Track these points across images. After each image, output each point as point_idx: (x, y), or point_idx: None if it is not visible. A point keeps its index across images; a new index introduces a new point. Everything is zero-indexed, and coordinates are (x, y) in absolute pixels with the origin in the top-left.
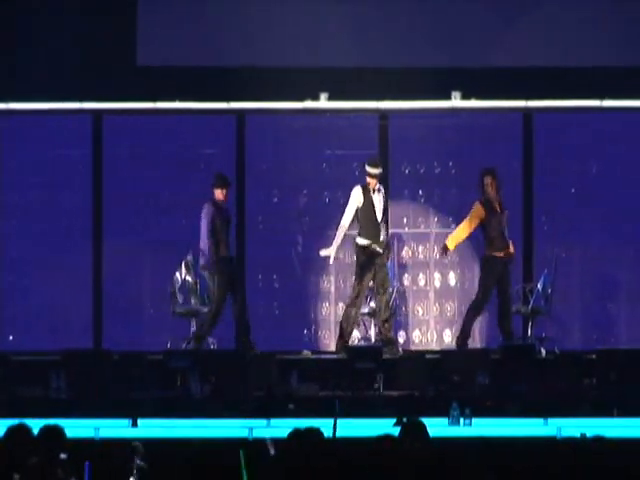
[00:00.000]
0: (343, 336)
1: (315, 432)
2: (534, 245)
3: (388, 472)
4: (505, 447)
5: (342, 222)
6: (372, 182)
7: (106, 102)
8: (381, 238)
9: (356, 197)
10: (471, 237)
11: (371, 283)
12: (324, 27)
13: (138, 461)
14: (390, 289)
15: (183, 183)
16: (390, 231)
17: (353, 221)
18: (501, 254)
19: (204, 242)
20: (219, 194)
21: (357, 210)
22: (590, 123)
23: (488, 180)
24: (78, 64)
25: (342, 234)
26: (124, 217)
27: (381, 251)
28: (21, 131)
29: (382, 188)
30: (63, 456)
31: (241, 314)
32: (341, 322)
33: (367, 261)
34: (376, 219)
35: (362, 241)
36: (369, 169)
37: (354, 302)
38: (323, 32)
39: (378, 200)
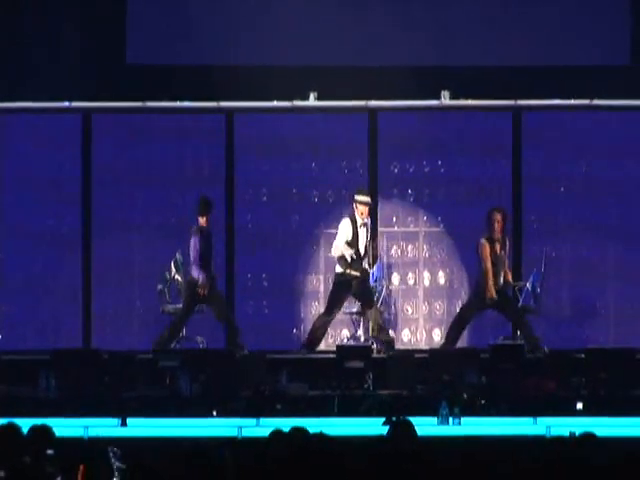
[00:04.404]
0: (312, 338)
1: (300, 431)
2: (523, 244)
3: (377, 471)
4: (494, 446)
5: (333, 254)
6: (361, 212)
7: (95, 101)
8: (360, 266)
9: (345, 230)
10: (463, 235)
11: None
12: (313, 26)
13: (118, 463)
14: (380, 287)
15: (172, 183)
16: (379, 230)
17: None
18: (493, 284)
19: (197, 272)
20: (202, 221)
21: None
22: (579, 122)
23: (498, 217)
24: (67, 63)
25: (342, 255)
26: (113, 216)
27: (358, 274)
28: (10, 130)
29: (369, 222)
30: (50, 452)
31: (229, 319)
32: (313, 324)
33: (342, 288)
34: (359, 252)
35: (339, 269)
36: (359, 197)
37: (324, 320)
38: (312, 31)
39: (363, 234)
